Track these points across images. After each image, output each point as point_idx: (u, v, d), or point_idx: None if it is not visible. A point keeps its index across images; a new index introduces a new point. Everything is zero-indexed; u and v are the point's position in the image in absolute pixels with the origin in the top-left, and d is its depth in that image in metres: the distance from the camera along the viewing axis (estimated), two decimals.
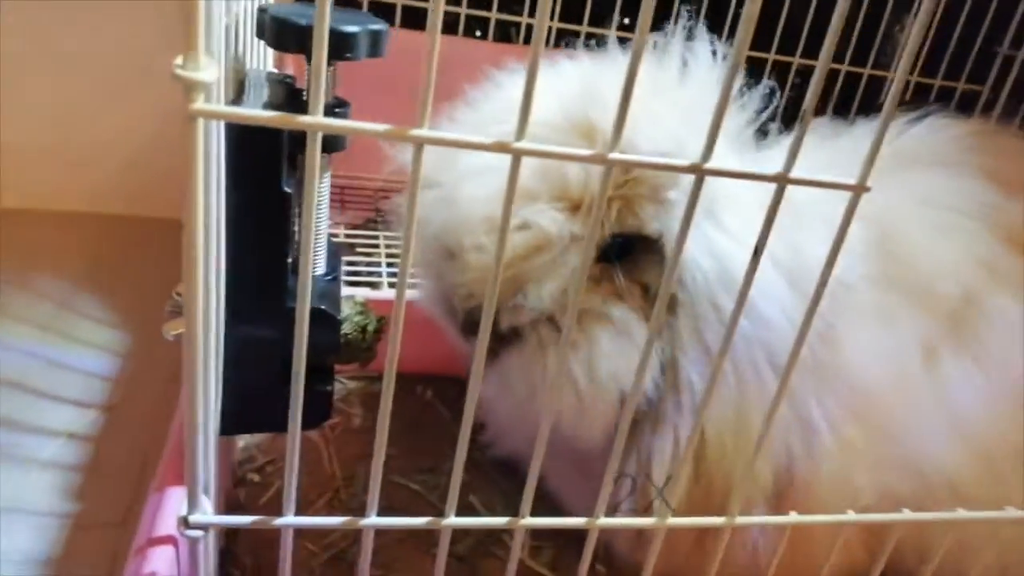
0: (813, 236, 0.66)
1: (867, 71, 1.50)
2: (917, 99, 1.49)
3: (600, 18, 1.37)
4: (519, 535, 0.61)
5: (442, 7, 0.42)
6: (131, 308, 1.19)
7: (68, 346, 1.12)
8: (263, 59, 0.75)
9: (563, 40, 1.33)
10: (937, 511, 0.67)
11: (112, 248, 1.39)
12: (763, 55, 1.41)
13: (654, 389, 0.70)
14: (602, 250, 0.69)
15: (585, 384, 0.67)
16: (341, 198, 1.31)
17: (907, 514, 0.69)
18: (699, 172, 0.49)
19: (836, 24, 0.46)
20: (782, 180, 0.50)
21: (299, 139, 0.45)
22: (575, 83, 0.71)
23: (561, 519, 0.64)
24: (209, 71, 0.40)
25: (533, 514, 0.60)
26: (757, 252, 0.52)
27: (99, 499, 0.88)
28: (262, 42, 0.65)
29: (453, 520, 0.59)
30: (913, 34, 0.48)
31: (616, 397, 0.68)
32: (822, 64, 0.47)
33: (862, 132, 0.88)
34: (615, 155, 0.47)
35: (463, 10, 1.35)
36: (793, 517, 0.66)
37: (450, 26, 1.36)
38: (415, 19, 1.31)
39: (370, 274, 1.12)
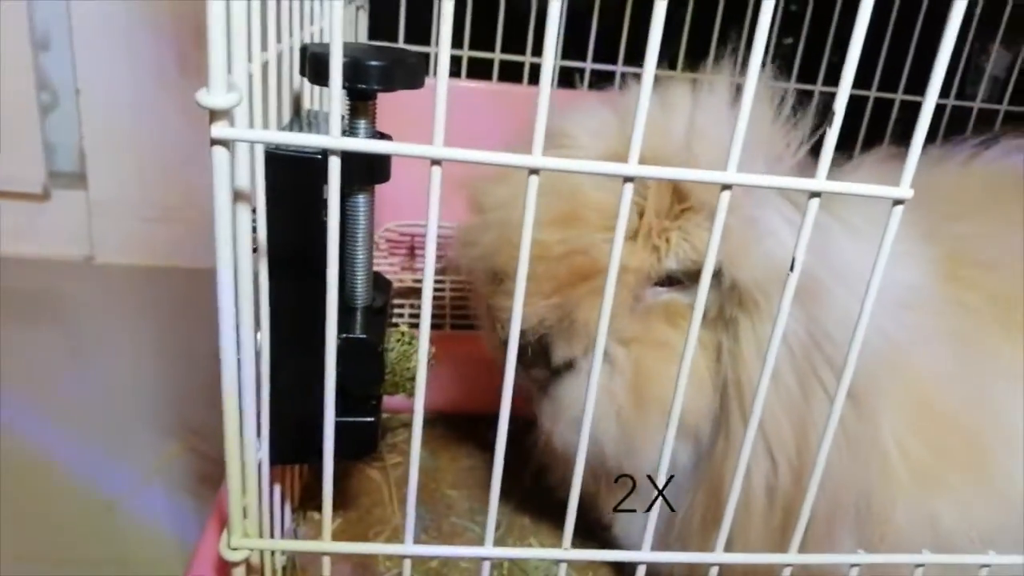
0: (871, 252, 0.63)
1: (950, 102, 1.44)
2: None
3: (634, 56, 1.37)
4: (563, 569, 0.59)
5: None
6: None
7: (159, 385, 1.18)
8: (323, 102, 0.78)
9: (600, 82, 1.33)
10: None
11: (203, 299, 1.46)
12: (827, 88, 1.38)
13: (712, 418, 0.67)
14: (661, 277, 0.67)
15: (629, 411, 0.65)
16: (411, 246, 1.34)
17: (993, 556, 0.64)
18: (727, 183, 0.48)
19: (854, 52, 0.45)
20: (815, 189, 0.49)
21: (346, 170, 0.46)
22: (628, 113, 0.71)
23: (609, 552, 0.62)
24: (228, 98, 0.42)
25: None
26: (793, 265, 0.50)
27: (177, 524, 0.91)
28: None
29: (493, 551, 0.58)
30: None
31: (664, 424, 0.65)
32: (843, 87, 0.46)
33: (924, 158, 0.85)
34: (635, 167, 0.47)
35: (465, 53, 1.36)
36: (860, 556, 0.62)
37: (486, 72, 1.38)
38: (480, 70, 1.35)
39: (436, 316, 1.14)
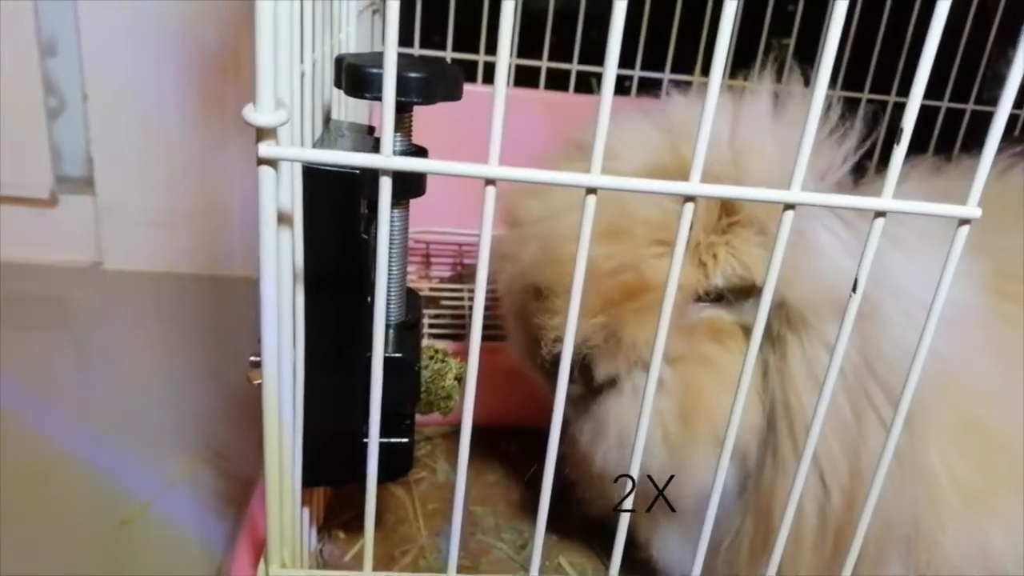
0: (924, 269, 0.61)
1: (970, 106, 1.43)
2: None
3: (682, 63, 1.36)
4: None
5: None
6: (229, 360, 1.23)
7: (169, 393, 1.16)
8: (348, 110, 0.76)
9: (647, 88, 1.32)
10: None
11: (211, 305, 1.44)
12: (857, 94, 1.37)
13: (760, 439, 0.65)
14: (709, 294, 0.65)
15: (677, 431, 0.63)
16: (426, 253, 1.32)
17: None
18: (791, 202, 0.47)
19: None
20: (880, 208, 0.47)
21: (378, 185, 0.45)
22: (670, 124, 0.69)
23: None
24: (276, 116, 0.40)
25: None
26: (856, 286, 0.49)
27: (193, 550, 0.89)
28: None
29: None
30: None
31: (713, 445, 0.63)
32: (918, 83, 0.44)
33: (966, 168, 0.83)
34: (697, 186, 0.45)
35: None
36: None
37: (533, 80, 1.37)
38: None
39: (456, 326, 1.12)
